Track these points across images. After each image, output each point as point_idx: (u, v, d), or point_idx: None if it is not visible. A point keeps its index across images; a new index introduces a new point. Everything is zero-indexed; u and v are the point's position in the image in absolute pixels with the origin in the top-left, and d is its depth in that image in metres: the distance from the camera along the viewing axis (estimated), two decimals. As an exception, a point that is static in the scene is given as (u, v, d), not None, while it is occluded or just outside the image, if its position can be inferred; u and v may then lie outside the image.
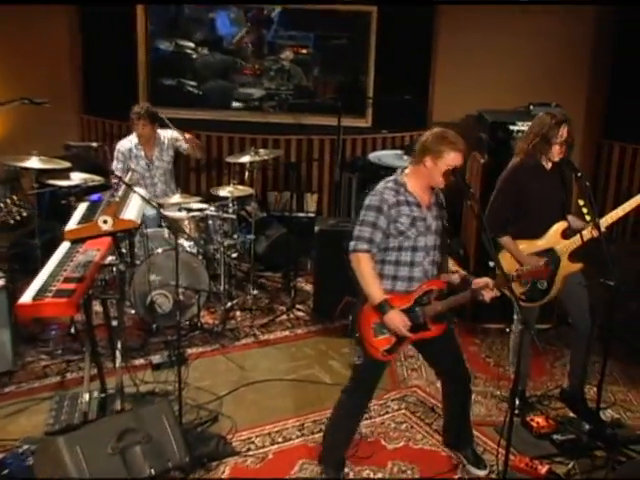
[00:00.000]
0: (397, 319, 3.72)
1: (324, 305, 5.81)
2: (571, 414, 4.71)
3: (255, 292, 6.29)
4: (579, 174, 4.27)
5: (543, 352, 5.37)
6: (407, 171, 3.76)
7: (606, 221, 4.40)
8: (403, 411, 4.76)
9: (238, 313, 6.02)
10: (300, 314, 6.05)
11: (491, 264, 3.80)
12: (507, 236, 4.46)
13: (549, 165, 4.44)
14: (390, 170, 6.09)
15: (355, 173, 7.05)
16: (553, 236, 4.50)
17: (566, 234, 4.51)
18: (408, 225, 3.70)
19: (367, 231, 3.68)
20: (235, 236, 6.10)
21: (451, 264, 4.00)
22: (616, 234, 7.20)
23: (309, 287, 6.39)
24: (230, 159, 6.48)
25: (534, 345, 4.33)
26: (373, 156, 6.93)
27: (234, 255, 6.17)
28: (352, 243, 3.72)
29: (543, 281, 4.46)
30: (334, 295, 5.56)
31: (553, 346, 5.60)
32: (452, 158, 3.65)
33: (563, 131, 4.31)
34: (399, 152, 6.95)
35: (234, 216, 6.01)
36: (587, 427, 4.48)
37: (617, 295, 4.06)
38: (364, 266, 3.68)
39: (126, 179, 5.32)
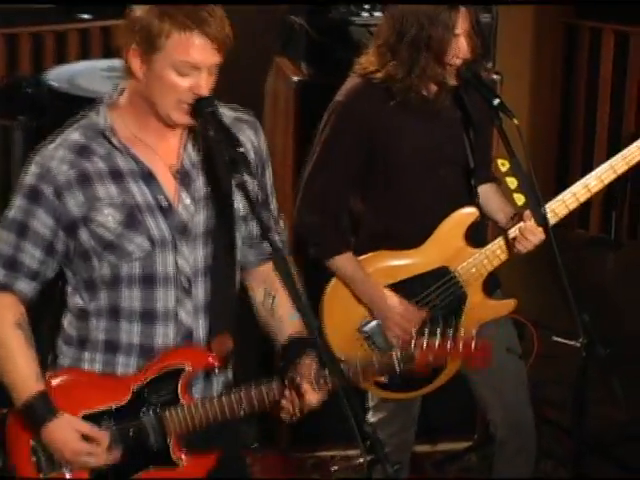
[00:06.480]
0: (63, 437, 3.44)
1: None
2: None
3: None
4: (497, 101, 4.07)
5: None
6: (124, 97, 3.53)
7: (564, 204, 4.26)
8: None
9: None
10: None
11: (291, 317, 3.42)
12: (347, 253, 4.33)
13: (433, 90, 4.28)
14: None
15: (18, 117, 6.54)
16: (446, 241, 4.38)
17: (473, 235, 4.31)
18: (120, 227, 3.43)
19: (9, 242, 3.47)
20: None
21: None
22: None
23: None
24: None
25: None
26: (60, 75, 6.41)
27: None
28: None
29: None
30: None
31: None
32: (183, 48, 3.32)
33: (461, 22, 4.16)
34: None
35: None
36: None
37: (592, 367, 3.88)
38: None
39: None
